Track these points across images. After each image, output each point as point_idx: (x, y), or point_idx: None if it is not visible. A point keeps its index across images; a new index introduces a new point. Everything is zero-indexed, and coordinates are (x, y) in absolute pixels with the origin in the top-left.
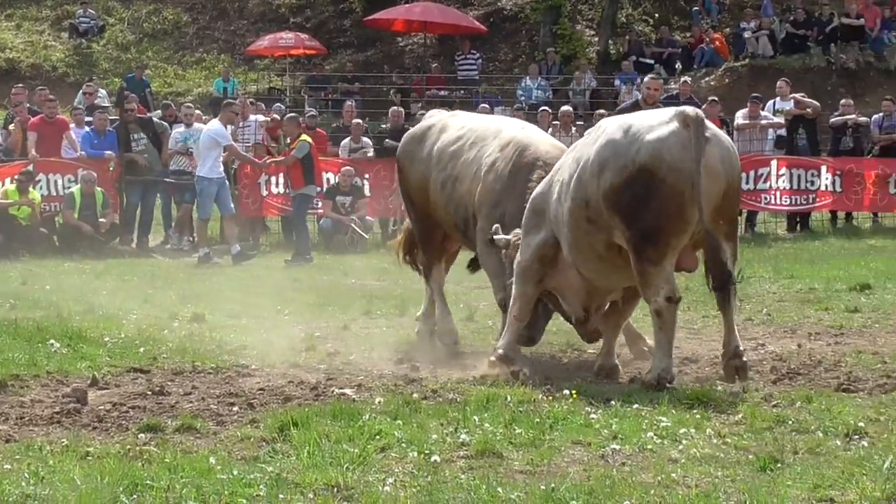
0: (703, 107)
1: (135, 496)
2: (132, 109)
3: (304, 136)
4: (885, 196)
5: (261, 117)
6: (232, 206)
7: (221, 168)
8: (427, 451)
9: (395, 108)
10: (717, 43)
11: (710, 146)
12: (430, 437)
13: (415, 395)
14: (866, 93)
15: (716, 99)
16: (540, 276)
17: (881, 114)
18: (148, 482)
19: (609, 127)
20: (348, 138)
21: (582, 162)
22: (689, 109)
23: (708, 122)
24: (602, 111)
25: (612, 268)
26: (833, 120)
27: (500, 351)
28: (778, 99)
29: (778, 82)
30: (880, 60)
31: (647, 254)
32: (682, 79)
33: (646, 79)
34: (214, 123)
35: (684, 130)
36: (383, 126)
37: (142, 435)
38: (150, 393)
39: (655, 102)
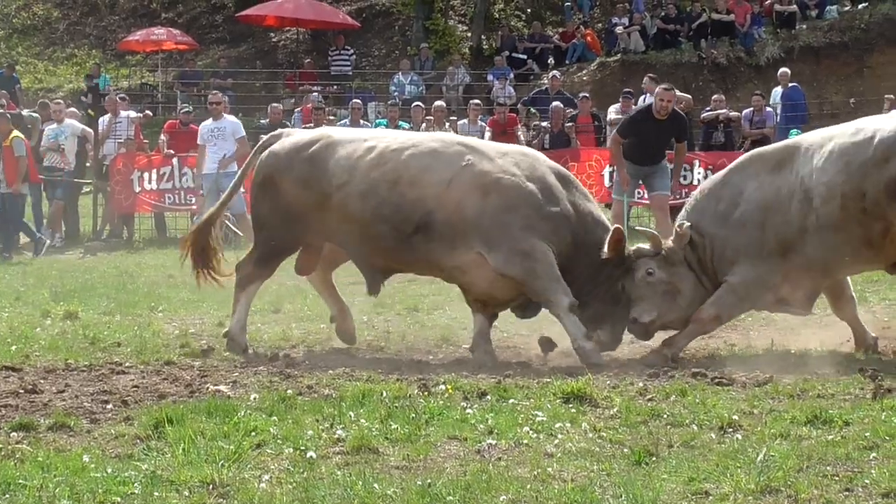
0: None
1: (7, 496)
2: (2, 106)
3: (16, 133)
4: None
5: (132, 113)
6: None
7: None
8: (303, 448)
9: (275, 104)
10: (589, 38)
11: None
12: (305, 433)
13: (290, 392)
14: (737, 88)
15: (587, 95)
16: None
17: (751, 108)
18: (20, 481)
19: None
20: None
21: (845, 162)
22: None
23: None
24: (477, 102)
25: (858, 260)
26: (704, 115)
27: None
28: (647, 94)
29: (644, 79)
30: (750, 56)
31: None
32: (552, 73)
33: (658, 89)
34: None
35: None
36: (262, 121)
37: (14, 434)
38: (22, 391)
39: (668, 113)
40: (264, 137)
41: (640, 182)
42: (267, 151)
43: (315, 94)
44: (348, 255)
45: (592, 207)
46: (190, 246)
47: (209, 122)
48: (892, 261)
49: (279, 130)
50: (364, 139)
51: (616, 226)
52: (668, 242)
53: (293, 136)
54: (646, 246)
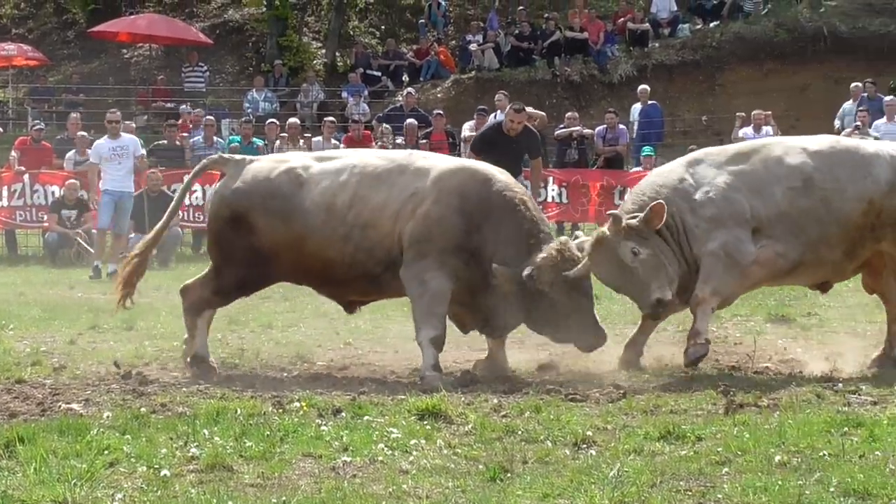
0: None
1: None
2: None
3: None
4: (610, 207)
5: None
6: None
7: None
8: (156, 466)
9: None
10: (443, 56)
11: None
12: (159, 451)
13: (143, 410)
14: (590, 105)
15: (441, 112)
16: None
17: (604, 126)
18: None
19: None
20: (73, 151)
21: (867, 169)
22: None
23: None
24: (332, 119)
25: (839, 267)
26: (558, 132)
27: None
28: (499, 111)
29: (497, 95)
30: (603, 73)
31: None
32: (407, 90)
33: (508, 110)
34: None
35: None
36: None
37: None
38: None
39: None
40: (205, 161)
41: None
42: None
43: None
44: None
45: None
46: (134, 265)
47: (106, 140)
48: (837, 280)
49: (228, 156)
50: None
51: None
52: (632, 221)
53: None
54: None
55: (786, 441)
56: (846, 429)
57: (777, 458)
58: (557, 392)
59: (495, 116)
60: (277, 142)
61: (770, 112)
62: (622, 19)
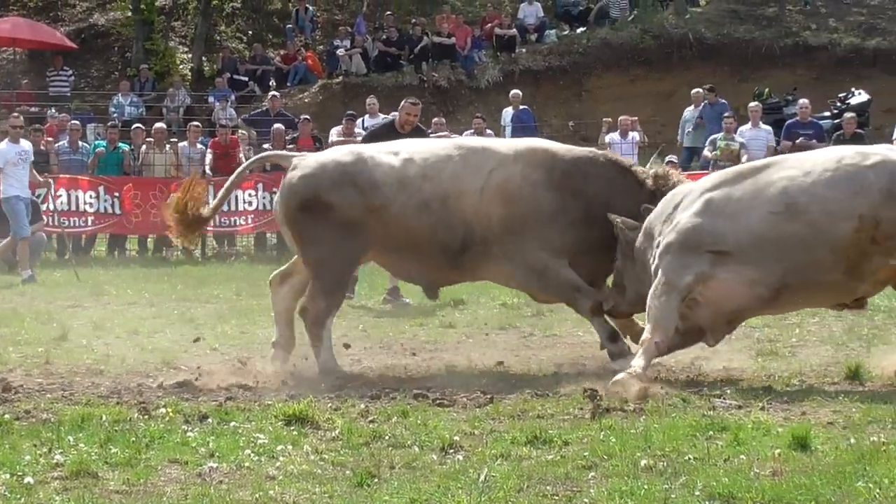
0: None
1: None
2: None
3: None
4: None
5: None
6: None
7: None
8: (20, 473)
9: None
10: (311, 60)
11: None
12: (23, 458)
13: (7, 416)
14: (457, 110)
15: (308, 117)
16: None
17: (472, 131)
18: None
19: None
20: None
21: (857, 182)
22: None
23: None
24: (197, 124)
25: (842, 288)
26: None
27: (635, 370)
28: (367, 116)
29: (367, 100)
30: (471, 79)
31: None
32: (271, 94)
33: (404, 103)
34: None
35: None
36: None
37: None
38: None
39: (413, 127)
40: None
41: None
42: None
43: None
44: None
45: None
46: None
47: (8, 144)
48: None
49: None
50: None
51: None
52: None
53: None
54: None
55: (651, 445)
56: (711, 433)
57: (643, 462)
58: (425, 397)
59: (363, 122)
60: (143, 147)
61: (636, 118)
62: (489, 25)
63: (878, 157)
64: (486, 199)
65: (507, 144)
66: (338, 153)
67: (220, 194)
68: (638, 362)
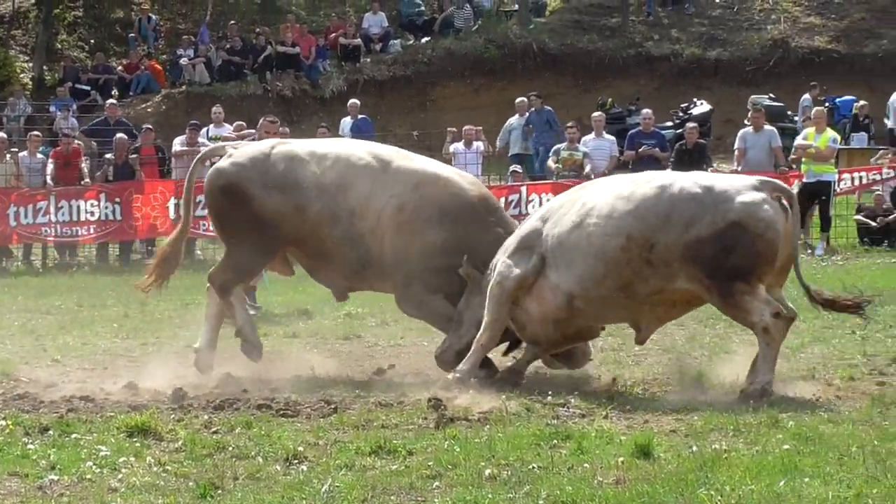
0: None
1: None
2: None
3: None
4: None
5: None
6: None
7: None
8: None
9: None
10: (154, 70)
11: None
12: None
13: None
14: (302, 120)
15: (150, 127)
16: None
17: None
18: None
19: (680, 182)
20: None
21: (637, 204)
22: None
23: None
24: (37, 133)
25: (623, 304)
26: None
27: (459, 375)
28: (212, 126)
29: (213, 109)
30: (315, 88)
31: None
32: (109, 102)
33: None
34: None
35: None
36: None
37: None
38: None
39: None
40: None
41: None
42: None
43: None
44: None
45: None
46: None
47: None
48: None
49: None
50: None
51: None
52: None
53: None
54: None
55: (496, 454)
56: (555, 441)
57: (487, 471)
58: (268, 408)
59: (208, 132)
60: None
61: (481, 127)
62: (334, 34)
63: (664, 183)
64: (381, 222)
65: (418, 169)
66: (270, 148)
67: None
68: (463, 367)
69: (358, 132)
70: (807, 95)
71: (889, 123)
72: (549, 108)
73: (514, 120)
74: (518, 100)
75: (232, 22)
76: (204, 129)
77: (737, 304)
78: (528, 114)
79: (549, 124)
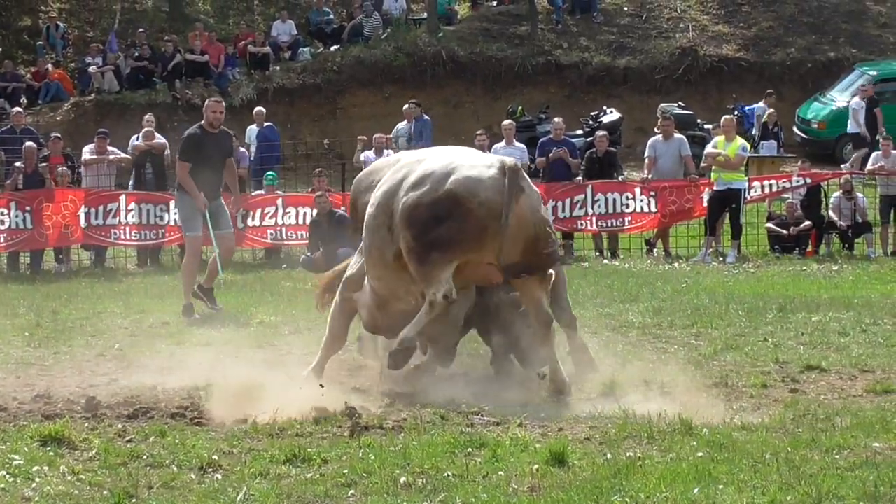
0: (48, 143)
1: None
2: None
3: None
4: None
5: None
6: None
7: None
8: None
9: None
10: (62, 78)
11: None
12: None
13: None
14: None
15: (59, 135)
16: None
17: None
18: None
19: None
20: None
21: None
22: (509, 160)
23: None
24: None
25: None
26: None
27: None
28: (137, 136)
29: (145, 117)
30: (225, 96)
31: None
32: (15, 110)
33: (208, 102)
34: None
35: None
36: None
37: None
38: None
39: (220, 125)
40: None
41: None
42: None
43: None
44: None
45: None
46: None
47: None
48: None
49: None
50: None
51: None
52: None
53: None
54: None
55: (410, 462)
56: (470, 449)
57: (402, 479)
58: (182, 416)
59: (134, 140)
60: None
61: (391, 135)
62: (243, 42)
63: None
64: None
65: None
66: None
67: None
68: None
69: (264, 140)
70: (762, 104)
71: (848, 128)
72: (427, 117)
73: (402, 126)
74: (405, 107)
75: (140, 30)
76: (134, 137)
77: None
78: (416, 121)
79: (421, 135)
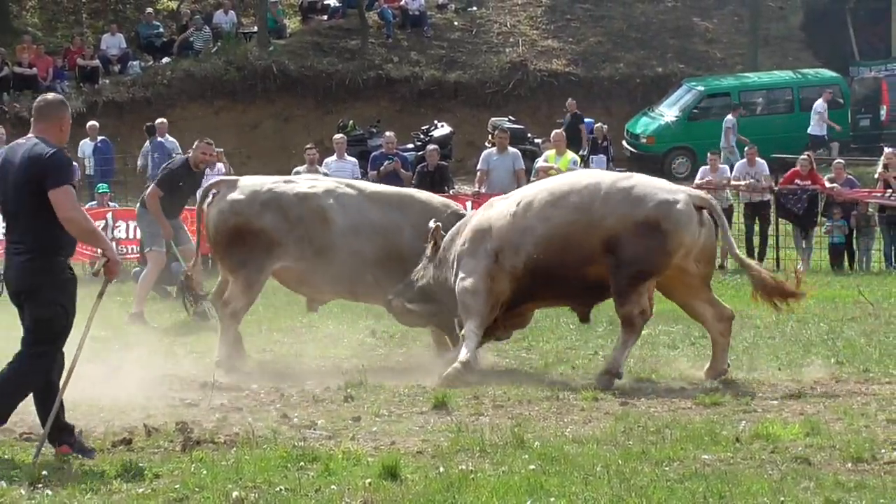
0: None
1: None
2: None
3: None
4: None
5: None
6: None
7: None
8: None
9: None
10: None
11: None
12: None
13: None
14: None
15: None
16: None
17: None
18: None
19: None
20: None
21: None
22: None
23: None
24: None
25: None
26: None
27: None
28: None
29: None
30: None
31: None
32: None
33: (199, 143)
34: None
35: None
36: None
37: None
38: None
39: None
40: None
41: None
42: None
43: None
44: None
45: None
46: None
47: None
48: None
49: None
50: None
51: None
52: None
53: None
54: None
55: (243, 477)
56: (302, 463)
57: (235, 493)
58: (11, 431)
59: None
60: None
61: (222, 149)
62: (72, 55)
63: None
64: None
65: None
66: None
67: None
68: (463, 355)
69: (100, 154)
70: (730, 116)
71: (810, 129)
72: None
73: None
74: (158, 121)
75: None
76: None
77: None
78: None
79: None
